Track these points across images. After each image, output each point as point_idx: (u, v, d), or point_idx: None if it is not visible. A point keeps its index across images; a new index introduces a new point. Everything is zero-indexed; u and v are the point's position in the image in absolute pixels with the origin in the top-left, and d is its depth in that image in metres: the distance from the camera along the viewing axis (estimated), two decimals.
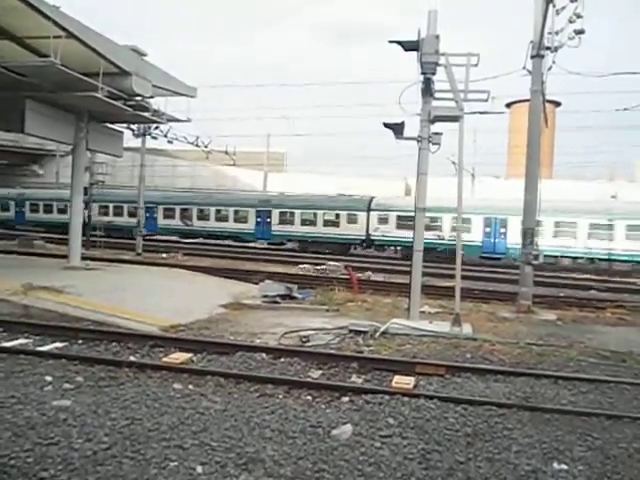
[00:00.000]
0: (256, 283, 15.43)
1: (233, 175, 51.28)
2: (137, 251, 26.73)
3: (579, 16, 13.67)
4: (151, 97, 17.34)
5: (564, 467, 4.84)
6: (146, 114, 17.79)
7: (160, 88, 17.10)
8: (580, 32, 13.73)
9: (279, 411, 5.88)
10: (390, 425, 5.62)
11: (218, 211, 37.12)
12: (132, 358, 7.81)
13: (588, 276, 24.53)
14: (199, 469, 4.48)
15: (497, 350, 8.92)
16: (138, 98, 16.67)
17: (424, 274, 14.18)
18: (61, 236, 26.60)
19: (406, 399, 6.35)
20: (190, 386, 6.60)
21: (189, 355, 7.94)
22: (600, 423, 5.89)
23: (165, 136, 25.63)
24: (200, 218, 37.45)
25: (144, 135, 25.93)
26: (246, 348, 8.39)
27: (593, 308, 14.72)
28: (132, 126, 24.15)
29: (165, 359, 7.74)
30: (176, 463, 4.54)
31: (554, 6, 13.70)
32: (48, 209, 41.27)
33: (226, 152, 30.05)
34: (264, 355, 8.10)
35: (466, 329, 10.09)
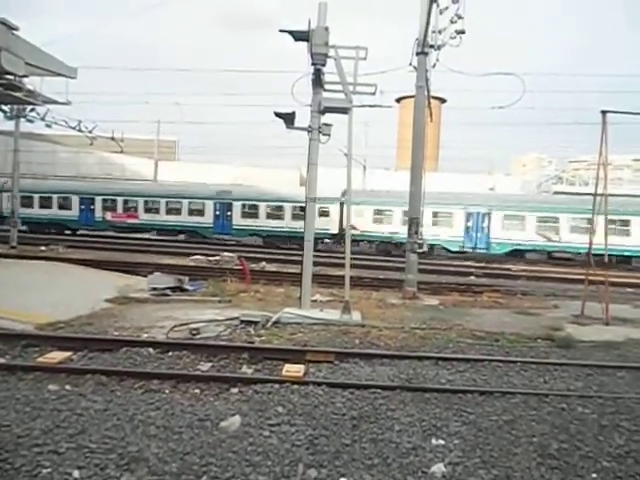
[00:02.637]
0: (145, 276, 14.81)
1: (121, 163, 48.88)
2: (11, 244, 24.58)
3: (460, 17, 14.49)
4: (25, 76, 15.92)
5: (441, 442, 5.15)
6: (18, 94, 16.32)
7: (35, 67, 15.72)
8: (461, 32, 14.56)
9: (165, 407, 5.69)
10: (279, 414, 5.65)
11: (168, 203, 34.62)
12: (0, 360, 7.17)
13: (468, 263, 26.27)
14: (76, 473, 4.23)
15: (384, 335, 9.29)
16: (9, 77, 15.24)
17: (318, 263, 14.46)
18: None
19: (295, 387, 6.41)
20: (67, 386, 6.18)
21: (68, 354, 7.43)
22: (474, 399, 6.33)
23: (42, 119, 23.68)
24: (147, 211, 35.04)
25: (18, 117, 23.80)
26: (132, 343, 8.02)
27: (472, 293, 15.78)
28: (3, 107, 22.08)
29: (40, 359, 7.19)
30: (49, 470, 4.25)
31: (438, 6, 14.42)
32: None
33: (112, 138, 28.34)
34: (151, 350, 7.80)
35: (355, 316, 10.39)
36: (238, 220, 33.55)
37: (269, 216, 32.94)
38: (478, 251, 29.90)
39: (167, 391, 6.25)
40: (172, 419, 5.39)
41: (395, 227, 29.91)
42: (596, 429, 5.57)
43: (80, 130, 25.81)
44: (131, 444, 4.77)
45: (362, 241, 31.28)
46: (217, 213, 33.89)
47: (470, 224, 29.96)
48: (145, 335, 8.91)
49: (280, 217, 32.79)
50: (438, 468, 4.60)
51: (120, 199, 35.53)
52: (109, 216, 35.50)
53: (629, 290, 17.53)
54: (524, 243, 29.00)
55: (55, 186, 38.12)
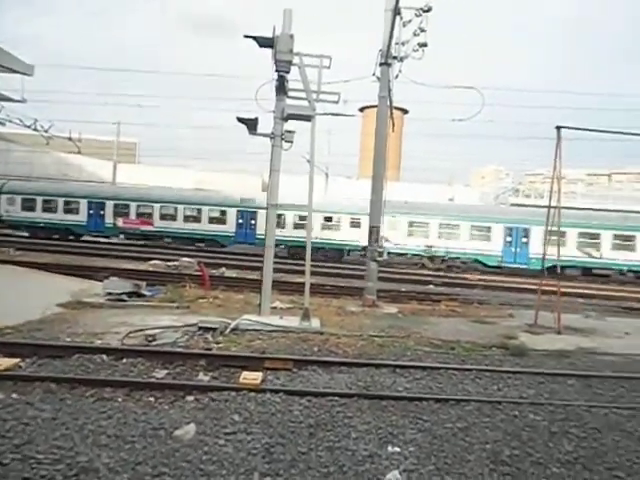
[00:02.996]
0: (101, 280, 14.42)
1: (78, 164, 47.68)
2: None
3: (423, 30, 14.81)
4: None
5: (397, 450, 5.19)
6: None
7: None
8: (423, 45, 14.88)
9: (117, 415, 5.54)
10: (235, 422, 5.58)
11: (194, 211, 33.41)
12: None
13: (427, 272, 26.65)
14: None
15: (342, 343, 9.30)
16: None
17: (279, 270, 14.41)
18: None
19: (252, 394, 6.35)
20: (14, 395, 5.93)
21: (15, 360, 7.14)
22: (429, 406, 6.40)
23: None
24: (163, 217, 33.58)
25: None
26: (84, 350, 7.78)
27: (430, 301, 16.01)
28: None
29: None
30: None
31: (401, 19, 14.68)
32: None
33: (69, 138, 27.67)
34: (104, 357, 7.59)
35: (315, 323, 10.38)
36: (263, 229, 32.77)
37: (296, 226, 31.19)
38: (517, 266, 29.24)
39: (120, 399, 6.08)
40: (124, 428, 5.25)
41: (432, 240, 29.65)
42: (546, 436, 5.72)
43: (36, 129, 25.09)
44: (80, 454, 4.62)
45: (399, 254, 30.32)
46: (240, 221, 32.92)
47: (509, 239, 29.63)
48: (99, 341, 8.65)
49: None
50: (393, 475, 4.63)
51: (134, 204, 33.96)
52: (121, 222, 33.95)
53: (580, 300, 18.12)
54: (564, 259, 29.42)
55: (61, 189, 36.33)
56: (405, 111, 62.08)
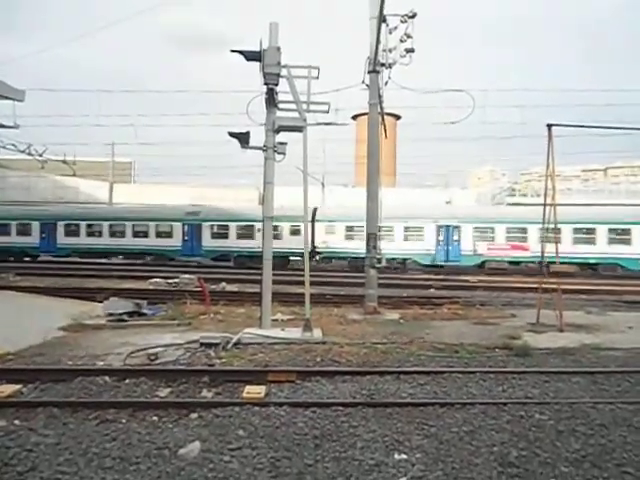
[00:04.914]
0: (102, 301, 14.39)
1: (74, 186, 47.71)
2: None
3: (409, 36, 14.88)
4: None
5: (404, 457, 5.16)
6: None
7: None
8: (410, 50, 14.94)
9: (121, 437, 5.51)
10: (240, 437, 5.55)
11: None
12: None
13: (427, 276, 26.62)
14: None
15: (345, 352, 9.27)
16: None
17: (279, 282, 14.37)
18: None
19: (257, 409, 6.31)
20: (16, 421, 5.89)
21: (18, 387, 7.11)
22: (435, 411, 6.37)
23: None
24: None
25: None
26: (86, 372, 7.74)
27: (432, 305, 15.92)
28: None
29: None
30: None
31: (387, 25, 14.76)
32: None
33: (64, 161, 27.71)
34: (107, 378, 7.54)
35: (317, 334, 10.35)
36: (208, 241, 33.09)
37: (239, 236, 32.07)
38: (450, 264, 30.24)
39: (124, 420, 6.04)
40: (129, 449, 5.22)
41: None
42: (553, 435, 5.69)
43: (30, 154, 25.12)
44: (85, 478, 4.60)
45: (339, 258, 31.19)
46: (185, 236, 33.40)
47: (441, 238, 30.22)
48: (101, 363, 8.62)
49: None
50: None
51: (83, 223, 34.69)
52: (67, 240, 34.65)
53: (582, 297, 18.07)
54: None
55: (12, 212, 37.03)
56: (397, 117, 62.28)
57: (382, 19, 13.63)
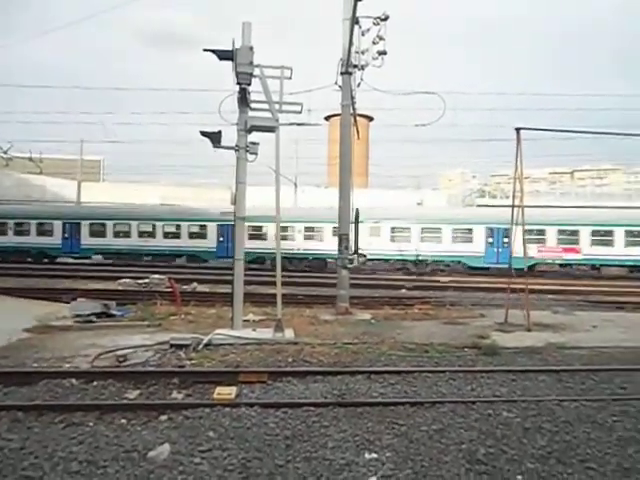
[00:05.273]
0: (69, 302, 14.08)
1: (41, 184, 46.65)
2: None
3: (382, 38, 14.97)
4: None
5: (374, 456, 5.19)
6: None
7: None
8: (383, 53, 15.03)
9: (88, 440, 5.40)
10: (210, 438, 5.51)
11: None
12: None
13: (399, 276, 26.84)
14: None
15: (317, 352, 9.28)
16: None
17: (251, 282, 14.31)
18: None
19: (227, 410, 6.27)
20: None
21: None
22: (405, 410, 6.43)
23: None
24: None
25: None
26: (52, 375, 7.56)
27: (403, 306, 16.07)
28: None
29: None
30: None
31: (360, 27, 14.84)
32: None
33: (30, 159, 27.13)
34: (74, 381, 7.39)
35: (288, 334, 10.33)
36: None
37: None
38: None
39: (91, 423, 5.92)
40: (96, 453, 5.13)
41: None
42: (520, 432, 5.80)
43: None
44: None
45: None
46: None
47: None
48: (67, 365, 8.43)
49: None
50: None
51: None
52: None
53: (549, 297, 18.48)
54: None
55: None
56: (370, 118, 62.79)
57: (355, 21, 13.70)
